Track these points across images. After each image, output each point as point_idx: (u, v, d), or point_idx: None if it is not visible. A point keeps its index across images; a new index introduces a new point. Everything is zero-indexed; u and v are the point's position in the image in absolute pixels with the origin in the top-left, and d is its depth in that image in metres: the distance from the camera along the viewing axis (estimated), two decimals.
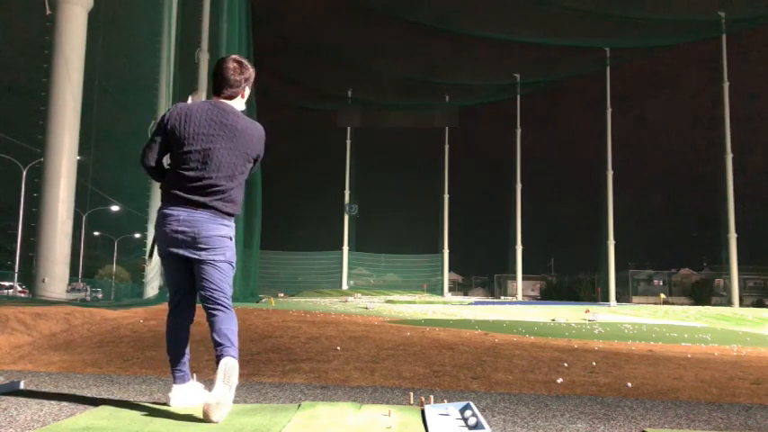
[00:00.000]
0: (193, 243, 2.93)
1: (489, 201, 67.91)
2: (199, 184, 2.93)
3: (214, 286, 2.96)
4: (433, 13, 45.05)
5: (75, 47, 16.01)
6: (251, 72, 3.14)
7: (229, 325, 2.94)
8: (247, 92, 3.16)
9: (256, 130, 3.08)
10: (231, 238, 3.03)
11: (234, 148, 2.98)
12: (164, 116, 3.05)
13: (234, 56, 3.16)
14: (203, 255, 2.94)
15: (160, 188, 3.06)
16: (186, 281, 3.06)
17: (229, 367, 2.81)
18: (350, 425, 2.72)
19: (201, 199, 2.94)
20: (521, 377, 4.94)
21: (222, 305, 2.96)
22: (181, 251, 2.95)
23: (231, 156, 2.97)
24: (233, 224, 3.08)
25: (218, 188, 2.95)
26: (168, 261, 3.05)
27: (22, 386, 3.49)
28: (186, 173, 2.93)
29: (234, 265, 3.06)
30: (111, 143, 18.55)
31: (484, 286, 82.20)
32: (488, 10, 43.48)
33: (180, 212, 2.93)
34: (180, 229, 2.91)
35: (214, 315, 2.94)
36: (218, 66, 3.11)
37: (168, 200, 2.97)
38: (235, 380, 2.81)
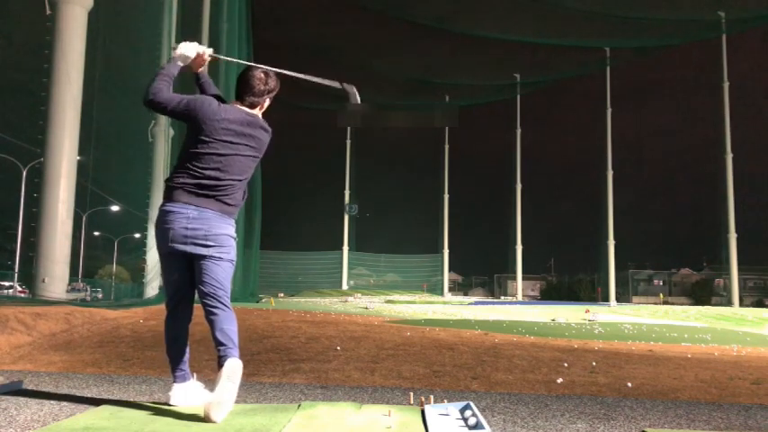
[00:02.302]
0: (202, 240, 2.95)
1: (489, 201, 67.92)
2: (213, 183, 2.97)
3: (217, 284, 2.97)
4: (433, 13, 45.03)
5: (76, 47, 16.01)
6: (275, 85, 3.17)
7: (230, 325, 2.95)
8: (267, 104, 3.19)
9: (269, 135, 3.17)
10: (235, 238, 3.07)
11: (254, 157, 3.09)
12: (198, 98, 3.08)
13: (263, 67, 3.18)
14: (210, 251, 2.96)
15: (165, 182, 3.07)
16: (186, 280, 3.06)
17: (234, 368, 2.82)
18: (350, 425, 2.72)
19: (212, 197, 2.98)
20: (521, 377, 4.94)
21: (223, 303, 2.98)
22: (188, 248, 2.96)
23: (249, 162, 3.07)
24: (234, 224, 3.10)
25: (230, 189, 3.02)
26: (169, 259, 3.05)
27: (21, 386, 3.49)
28: (204, 172, 2.96)
29: (234, 264, 3.09)
30: (111, 143, 18.56)
31: (484, 286, 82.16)
32: (488, 10, 43.46)
33: (189, 210, 2.94)
34: (190, 226, 2.93)
35: (215, 313, 2.95)
36: (245, 74, 3.13)
37: (175, 196, 2.98)
38: (238, 380, 2.82)
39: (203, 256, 2.96)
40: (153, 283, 17.85)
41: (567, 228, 72.94)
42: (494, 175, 65.78)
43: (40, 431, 2.55)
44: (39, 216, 15.67)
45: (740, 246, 43.59)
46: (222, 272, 2.99)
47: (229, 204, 3.03)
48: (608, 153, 50.36)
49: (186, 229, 2.93)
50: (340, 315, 14.40)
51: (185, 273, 3.05)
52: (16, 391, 3.41)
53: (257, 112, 3.14)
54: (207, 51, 3.23)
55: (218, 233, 2.97)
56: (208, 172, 2.96)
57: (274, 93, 3.19)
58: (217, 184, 2.98)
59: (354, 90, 3.26)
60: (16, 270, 23.06)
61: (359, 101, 3.22)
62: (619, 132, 51.23)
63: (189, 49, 3.18)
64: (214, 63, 3.39)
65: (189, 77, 3.35)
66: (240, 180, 3.05)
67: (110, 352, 5.96)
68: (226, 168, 2.98)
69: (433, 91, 57.53)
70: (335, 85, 3.34)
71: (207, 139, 2.96)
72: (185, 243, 2.95)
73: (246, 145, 3.04)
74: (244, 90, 3.10)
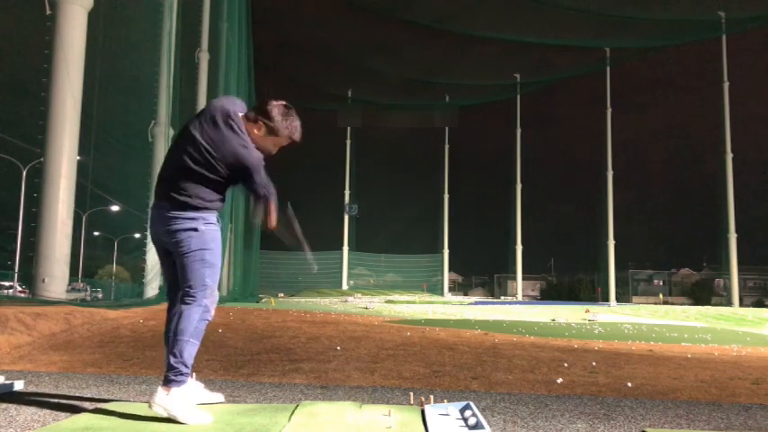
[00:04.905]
0: (164, 236, 3.01)
1: (489, 201, 67.97)
2: (162, 175, 3.03)
3: (182, 278, 2.98)
4: (434, 13, 45.06)
5: (75, 47, 16.00)
6: (276, 116, 2.98)
7: (184, 323, 2.88)
8: (257, 131, 2.97)
9: (220, 127, 2.97)
10: (195, 229, 2.93)
11: (189, 152, 2.91)
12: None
13: (284, 103, 3.06)
14: (172, 247, 2.99)
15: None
16: (176, 274, 3.09)
17: (158, 402, 2.80)
18: (350, 425, 2.72)
19: (165, 192, 3.00)
20: (521, 377, 4.94)
21: (184, 299, 2.93)
22: (163, 246, 3.06)
23: (186, 154, 2.92)
24: (199, 214, 2.96)
25: (177, 182, 2.94)
26: (158, 254, 3.15)
27: (22, 386, 3.49)
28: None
29: (203, 256, 2.94)
30: (111, 143, 18.56)
31: (484, 286, 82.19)
32: (488, 10, 43.49)
33: (156, 207, 3.05)
34: (157, 222, 3.02)
35: (179, 307, 2.97)
36: (270, 104, 3.03)
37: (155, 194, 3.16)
38: (169, 405, 2.78)
39: (172, 252, 3.01)
40: (153, 283, 17.85)
41: (567, 228, 73.03)
42: (494, 175, 65.88)
43: (40, 431, 2.54)
44: (39, 216, 15.66)
45: (740, 246, 43.66)
46: (184, 266, 2.94)
47: (180, 198, 2.90)
48: (608, 153, 50.39)
49: (156, 225, 3.02)
50: (340, 315, 14.41)
51: (173, 266, 3.08)
52: (16, 391, 3.41)
53: (245, 129, 2.94)
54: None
55: (174, 228, 2.93)
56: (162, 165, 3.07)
57: (271, 124, 2.97)
58: (164, 175, 3.00)
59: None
60: (16, 270, 23.06)
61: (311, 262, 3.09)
62: (619, 132, 51.33)
63: None
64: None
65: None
66: (180, 171, 2.89)
67: (110, 352, 5.96)
68: (168, 157, 3.03)
69: (432, 91, 57.60)
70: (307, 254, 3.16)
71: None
72: (159, 240, 3.05)
73: (191, 136, 2.90)
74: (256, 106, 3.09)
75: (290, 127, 3.01)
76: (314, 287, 53.46)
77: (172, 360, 2.82)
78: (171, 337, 2.87)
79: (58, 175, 15.81)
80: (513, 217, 56.84)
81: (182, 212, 2.92)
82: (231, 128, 2.90)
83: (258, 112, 2.99)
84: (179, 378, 2.81)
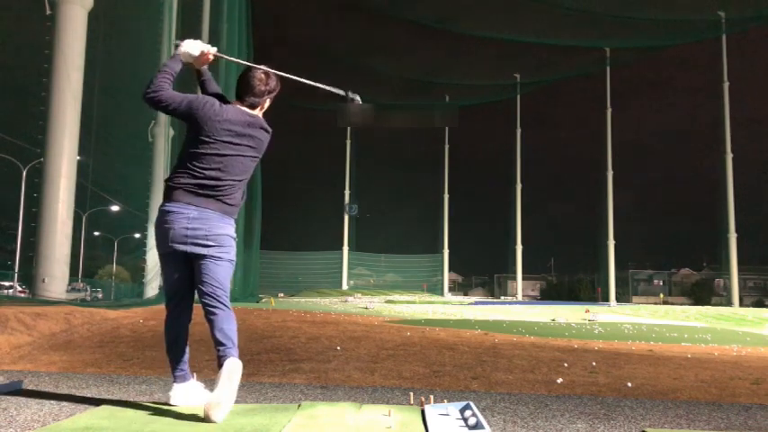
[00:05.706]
0: (203, 240, 2.95)
1: (489, 201, 67.98)
2: (214, 183, 2.99)
3: (217, 283, 2.97)
4: (434, 13, 45.04)
5: (75, 47, 16.02)
6: (276, 86, 3.19)
7: (230, 324, 2.95)
8: (267, 104, 3.21)
9: (270, 135, 3.18)
10: (235, 238, 3.09)
11: (254, 158, 3.10)
12: (200, 98, 3.06)
13: (263, 67, 3.19)
14: (210, 251, 2.96)
15: (165, 182, 3.05)
16: (186, 280, 3.06)
17: (233, 368, 2.82)
18: (350, 425, 2.72)
19: (213, 197, 2.98)
20: (521, 377, 4.94)
21: (223, 303, 2.98)
22: (188, 248, 2.96)
23: (249, 163, 3.09)
24: (234, 224, 3.12)
25: (230, 189, 3.03)
26: (169, 259, 3.05)
27: (22, 386, 3.49)
28: (205, 172, 2.97)
29: (234, 264, 3.10)
30: (111, 143, 18.56)
31: (484, 286, 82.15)
32: (488, 10, 43.47)
33: (190, 210, 2.95)
34: (191, 226, 2.94)
35: (214, 313, 2.95)
36: (245, 74, 3.15)
37: (175, 196, 2.97)
38: (237, 380, 2.82)
39: (203, 256, 2.96)
40: (153, 283, 17.85)
41: (567, 228, 73.13)
42: (494, 175, 65.97)
43: (40, 431, 2.55)
44: (39, 216, 15.67)
45: (740, 246, 43.62)
46: (222, 271, 3.00)
47: (230, 204, 3.04)
48: (608, 153, 50.35)
49: (187, 229, 2.93)
50: (340, 315, 14.41)
51: (185, 273, 3.05)
52: (16, 391, 3.41)
53: (257, 112, 3.15)
54: (211, 50, 3.22)
55: (219, 233, 2.98)
56: (209, 172, 2.97)
57: (275, 93, 3.19)
58: (217, 184, 2.98)
59: (358, 98, 3.27)
60: (16, 270, 23.07)
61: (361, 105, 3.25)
62: (619, 132, 51.30)
63: (193, 48, 3.16)
64: (214, 61, 3.36)
65: (188, 74, 3.33)
66: (240, 180, 3.07)
67: (110, 352, 5.96)
68: (227, 169, 2.99)
69: (433, 91, 57.53)
70: (341, 92, 3.35)
71: (208, 139, 2.96)
72: (185, 243, 2.94)
73: (247, 146, 3.05)
74: (244, 90, 3.10)
75: (277, 85, 3.21)
76: (314, 287, 53.38)
77: (236, 352, 2.92)
78: (222, 348, 2.89)
79: (58, 175, 15.81)
80: (513, 217, 56.77)
81: (230, 219, 3.06)
82: (267, 131, 3.14)
83: (257, 94, 3.12)
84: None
